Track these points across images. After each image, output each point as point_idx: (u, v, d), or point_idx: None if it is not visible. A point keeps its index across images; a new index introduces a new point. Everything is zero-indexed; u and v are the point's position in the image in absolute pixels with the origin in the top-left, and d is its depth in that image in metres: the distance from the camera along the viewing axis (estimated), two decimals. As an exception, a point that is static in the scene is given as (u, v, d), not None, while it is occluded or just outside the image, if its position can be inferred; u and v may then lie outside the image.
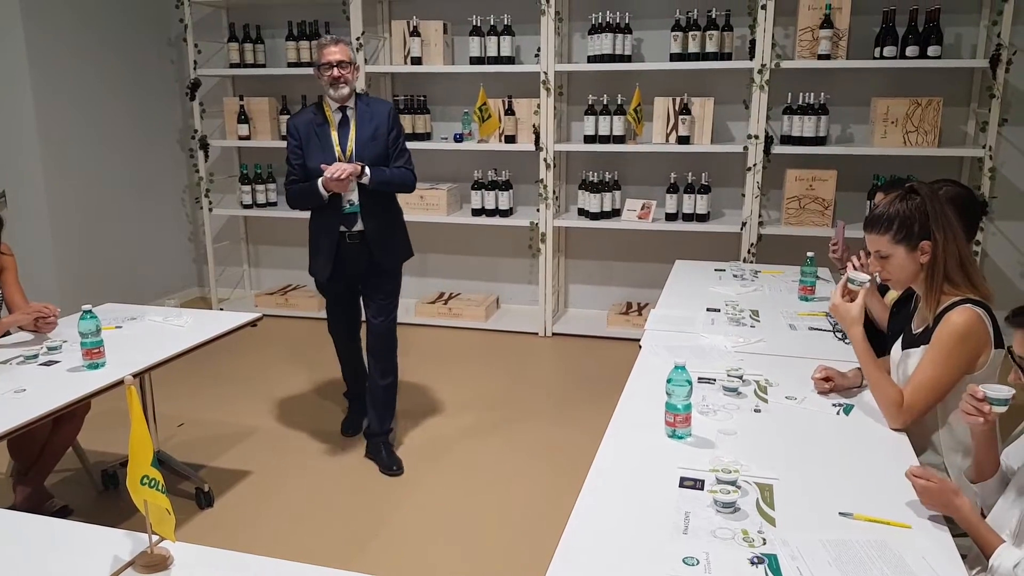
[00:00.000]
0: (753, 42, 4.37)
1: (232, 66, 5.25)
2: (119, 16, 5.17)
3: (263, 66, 5.30)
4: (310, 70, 4.95)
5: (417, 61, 4.86)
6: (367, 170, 3.16)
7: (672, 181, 4.74)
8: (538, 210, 4.87)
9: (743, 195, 4.60)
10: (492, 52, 4.76)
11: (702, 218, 4.72)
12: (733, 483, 1.73)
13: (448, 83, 5.13)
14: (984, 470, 1.71)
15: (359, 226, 3.25)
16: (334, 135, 3.24)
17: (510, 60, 4.79)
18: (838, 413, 2.16)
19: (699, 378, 2.38)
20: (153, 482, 1.43)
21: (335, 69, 3.15)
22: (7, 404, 2.27)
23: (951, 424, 2.04)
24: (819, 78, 4.54)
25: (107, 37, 5.09)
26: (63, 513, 2.96)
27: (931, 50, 4.20)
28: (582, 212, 4.91)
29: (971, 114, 4.49)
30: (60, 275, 4.83)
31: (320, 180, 3.12)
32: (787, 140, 4.52)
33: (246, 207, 5.43)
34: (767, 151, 4.47)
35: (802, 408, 2.19)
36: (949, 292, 2.02)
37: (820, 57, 4.30)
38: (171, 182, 5.68)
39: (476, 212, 5.02)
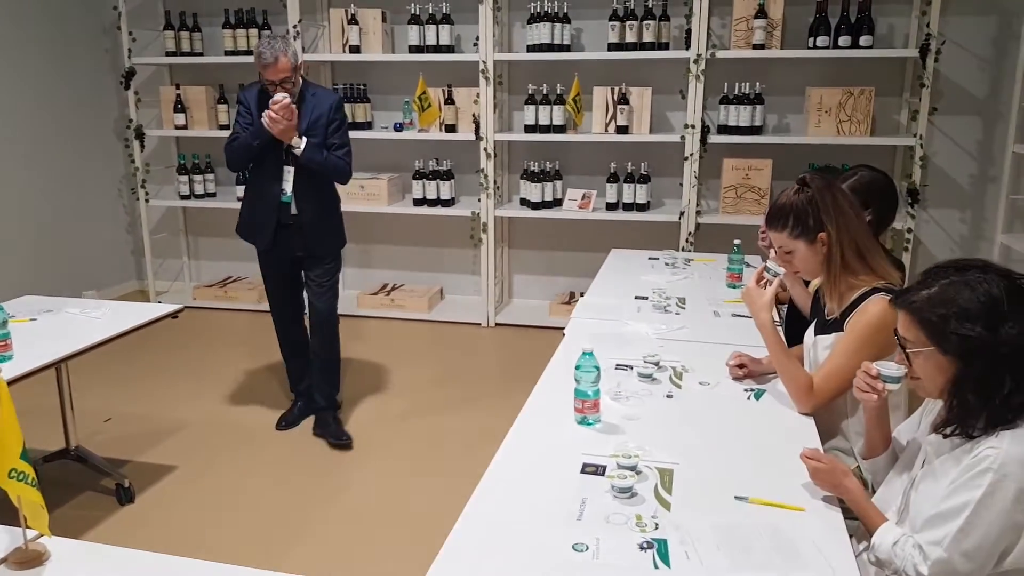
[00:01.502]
0: (689, 32, 4.39)
1: (168, 54, 5.13)
2: (49, 3, 5.02)
3: (200, 55, 5.18)
4: (248, 58, 4.93)
5: (356, 49, 4.79)
6: (303, 143, 3.22)
7: (612, 171, 4.75)
8: (479, 200, 4.85)
9: (681, 184, 4.62)
10: (431, 41, 4.72)
11: (642, 207, 4.74)
12: (633, 468, 1.74)
13: (388, 72, 5.08)
14: (875, 447, 1.73)
15: (293, 210, 3.36)
16: None
17: (450, 49, 4.75)
18: (748, 398, 2.18)
19: (616, 365, 2.39)
20: (22, 475, 1.38)
21: (278, 87, 3.18)
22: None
23: (860, 412, 2.07)
24: (756, 68, 4.58)
25: (36, 25, 4.94)
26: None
27: (863, 40, 4.26)
28: (524, 202, 4.90)
29: (904, 103, 4.57)
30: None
31: (263, 116, 3.15)
32: (724, 130, 4.55)
33: (184, 198, 5.32)
34: (704, 141, 4.50)
35: (714, 393, 2.21)
36: (852, 281, 2.04)
37: (755, 47, 4.33)
38: (108, 173, 5.54)
39: (418, 202, 4.98)
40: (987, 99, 4.49)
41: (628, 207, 4.76)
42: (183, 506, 3.04)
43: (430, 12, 4.72)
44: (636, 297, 3.12)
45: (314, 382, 3.59)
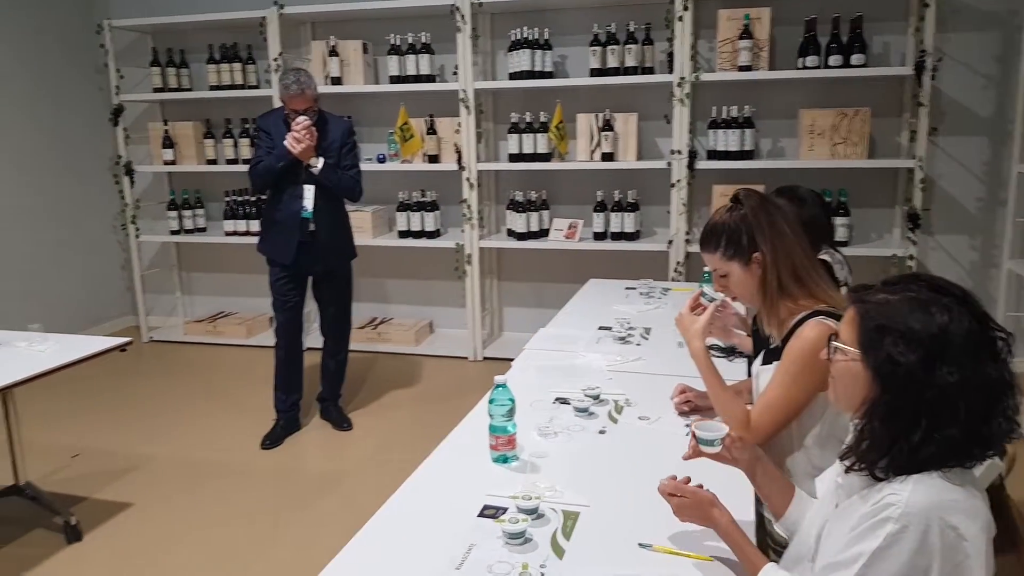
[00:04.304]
0: (672, 55, 4.28)
1: (156, 91, 5.16)
2: (44, 44, 5.11)
3: (189, 90, 5.21)
4: (232, 92, 4.95)
5: (337, 81, 4.77)
6: (320, 162, 3.56)
7: (599, 199, 4.62)
8: (463, 231, 4.75)
9: (668, 212, 4.47)
10: (412, 71, 4.67)
11: (631, 236, 4.59)
12: (532, 511, 1.59)
13: (372, 103, 5.04)
14: (775, 506, 1.54)
15: (312, 227, 3.64)
16: None
17: (430, 79, 4.69)
18: (687, 434, 2.01)
19: (556, 398, 2.24)
20: None
21: (303, 116, 3.50)
22: None
23: (808, 447, 1.88)
24: (746, 91, 4.44)
25: (36, 64, 5.03)
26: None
27: (855, 58, 4.10)
28: (511, 233, 4.79)
29: (904, 124, 4.37)
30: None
31: (285, 139, 3.48)
32: (714, 155, 4.40)
33: (174, 233, 5.32)
34: (691, 166, 4.35)
35: (651, 429, 2.05)
36: (790, 306, 1.88)
37: (741, 68, 4.19)
38: (103, 210, 5.57)
39: (403, 234, 4.90)
40: (993, 118, 4.28)
41: (616, 236, 4.61)
42: (131, 544, 2.93)
43: (410, 42, 4.68)
44: (599, 328, 2.97)
45: (323, 378, 4.00)
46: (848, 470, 1.22)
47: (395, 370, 4.76)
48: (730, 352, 2.63)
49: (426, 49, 4.66)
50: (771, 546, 1.77)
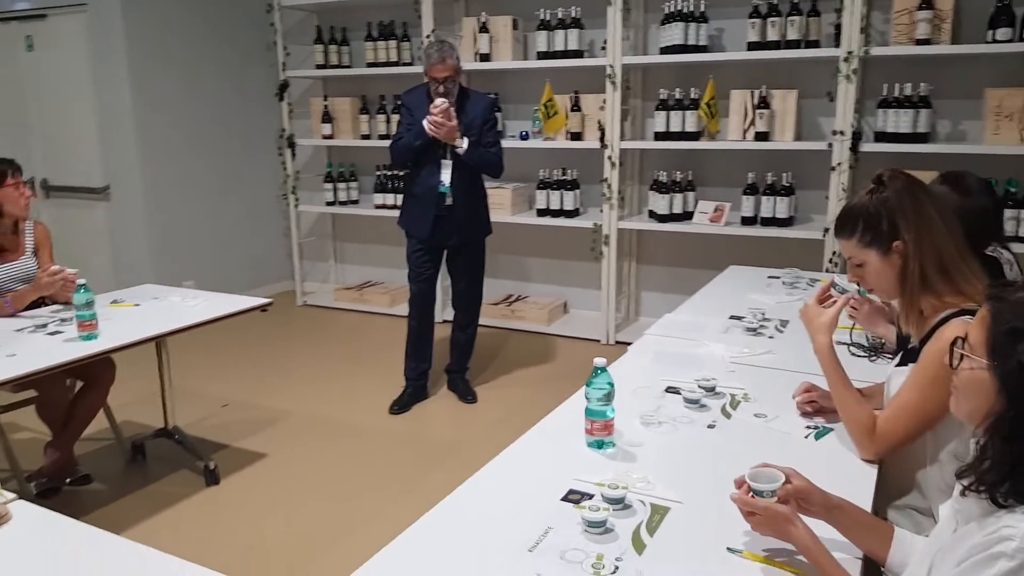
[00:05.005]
0: (839, 27, 3.93)
1: (318, 67, 5.42)
2: (221, 24, 5.49)
3: (348, 67, 5.43)
4: (387, 69, 5.10)
5: (486, 57, 4.78)
6: (465, 142, 3.57)
7: (750, 182, 4.36)
8: (601, 211, 4.64)
9: (827, 198, 4.14)
10: (560, 46, 4.60)
11: (783, 222, 4.29)
12: (619, 501, 1.50)
13: (520, 80, 5.02)
14: (873, 551, 1.35)
15: (449, 201, 3.67)
16: None
17: (578, 54, 4.60)
18: (807, 437, 1.84)
19: (667, 387, 2.12)
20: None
21: (440, 85, 3.56)
22: (-8, 366, 2.41)
23: (943, 462, 1.66)
24: (923, 67, 4.01)
25: (211, 45, 5.42)
26: (83, 481, 3.12)
27: (1058, 31, 3.59)
28: (652, 214, 4.62)
29: (1119, 108, 3.78)
30: (157, 265, 5.19)
31: (424, 121, 3.52)
32: (882, 137, 4.02)
33: (329, 204, 5.59)
34: (855, 149, 4.00)
35: (767, 428, 1.89)
36: (934, 302, 1.65)
37: (919, 42, 3.78)
38: (269, 180, 5.95)
39: (541, 212, 4.86)
40: None
41: (767, 222, 4.33)
42: (262, 492, 3.12)
43: (560, 17, 4.60)
44: (730, 317, 2.79)
45: (452, 350, 4.07)
46: (965, 491, 1.05)
47: (526, 348, 4.76)
48: (874, 351, 2.39)
49: (576, 24, 4.56)
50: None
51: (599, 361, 1.76)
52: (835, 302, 1.83)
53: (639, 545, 1.40)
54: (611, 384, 1.75)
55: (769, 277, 3.41)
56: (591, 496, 1.55)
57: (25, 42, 5.34)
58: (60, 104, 5.31)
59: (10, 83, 5.47)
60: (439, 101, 3.49)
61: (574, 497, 1.56)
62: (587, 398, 1.77)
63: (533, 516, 1.49)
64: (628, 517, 1.48)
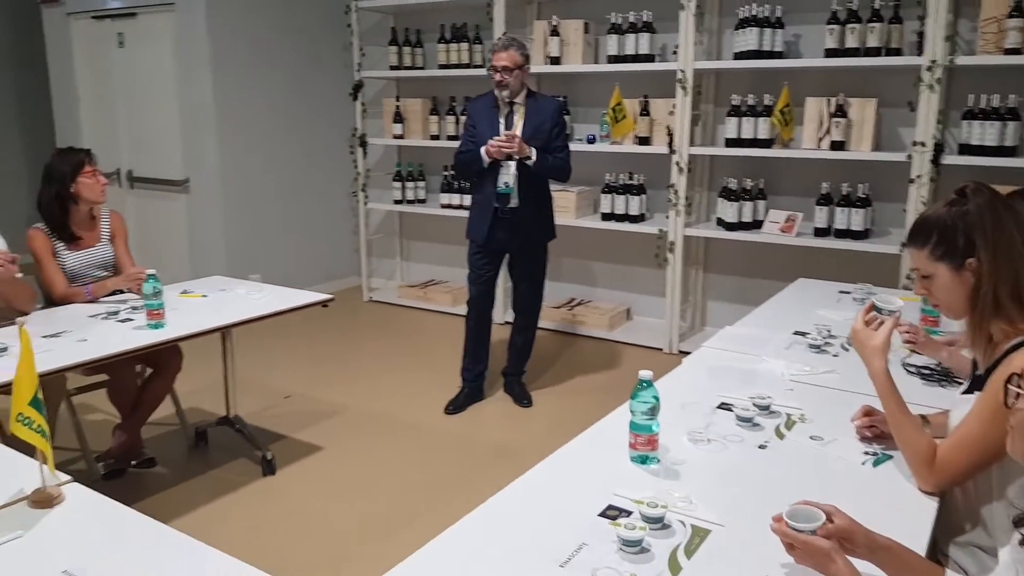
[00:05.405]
0: (922, 35, 3.76)
1: (392, 68, 5.50)
2: (302, 25, 5.63)
3: (421, 68, 5.49)
4: (458, 71, 5.14)
5: (556, 61, 4.76)
6: (533, 153, 3.58)
7: (824, 192, 4.21)
8: (667, 217, 4.56)
9: (905, 211, 3.96)
10: (630, 50, 4.54)
11: (858, 235, 4.13)
12: (657, 520, 1.47)
13: (590, 83, 4.98)
14: None
15: (513, 203, 3.67)
16: (501, 122, 3.68)
17: (649, 58, 4.53)
18: (864, 463, 1.76)
19: (720, 403, 2.07)
20: (28, 421, 1.48)
21: (498, 73, 3.57)
22: (63, 349, 2.52)
23: (1010, 499, 1.56)
24: (1013, 77, 3.79)
25: (288, 41, 5.57)
26: (147, 464, 3.24)
27: None
28: (720, 222, 4.52)
29: None
30: (230, 256, 5.36)
31: (483, 148, 3.58)
32: (966, 150, 3.83)
33: (397, 203, 5.67)
34: (936, 160, 3.82)
35: (822, 452, 1.81)
36: (1005, 328, 1.55)
37: (1008, 52, 3.59)
38: (341, 178, 6.07)
39: (606, 216, 4.81)
40: None
41: (841, 233, 4.18)
42: (316, 485, 3.19)
43: (631, 21, 4.54)
44: (795, 332, 2.70)
45: (509, 353, 4.05)
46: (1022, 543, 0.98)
47: (587, 353, 4.72)
48: (944, 375, 2.27)
49: (647, 28, 4.50)
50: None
51: (644, 374, 1.72)
52: (882, 323, 1.74)
53: (675, 567, 1.36)
54: (656, 398, 1.71)
55: (840, 292, 3.28)
56: (629, 513, 1.51)
57: (117, 39, 5.60)
58: (146, 99, 5.55)
59: (103, 78, 5.75)
60: (506, 133, 3.54)
61: (611, 513, 1.53)
62: (631, 411, 1.73)
63: (568, 530, 1.47)
64: (667, 537, 1.44)
